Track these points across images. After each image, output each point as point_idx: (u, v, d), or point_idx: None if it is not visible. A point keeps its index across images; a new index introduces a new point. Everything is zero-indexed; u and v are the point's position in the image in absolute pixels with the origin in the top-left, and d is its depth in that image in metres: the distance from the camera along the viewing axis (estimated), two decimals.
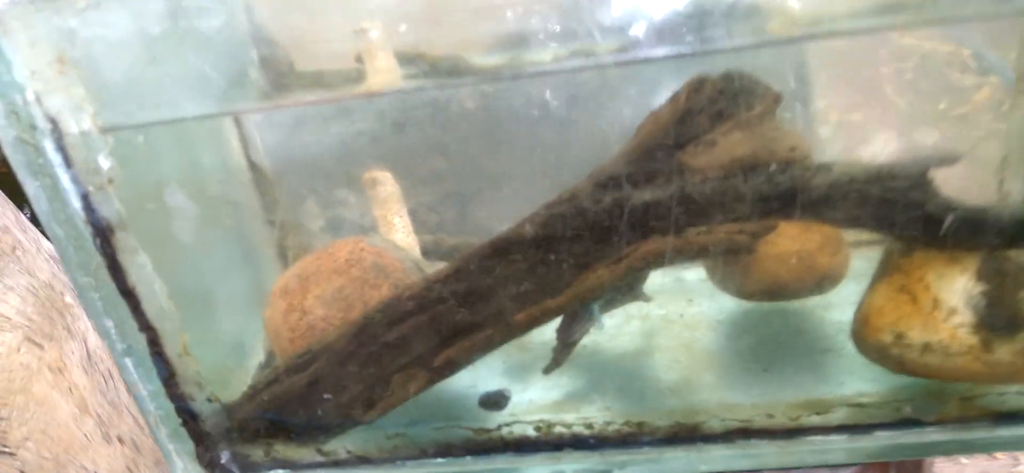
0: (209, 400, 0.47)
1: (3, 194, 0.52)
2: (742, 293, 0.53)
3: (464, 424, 0.46)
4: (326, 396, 0.47)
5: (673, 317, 0.53)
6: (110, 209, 0.40)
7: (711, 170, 0.42)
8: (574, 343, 0.50)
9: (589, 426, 0.45)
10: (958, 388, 0.43)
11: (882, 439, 0.43)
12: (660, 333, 0.53)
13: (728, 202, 0.43)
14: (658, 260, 0.43)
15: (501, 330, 0.45)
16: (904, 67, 0.44)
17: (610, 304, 0.53)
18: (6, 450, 0.75)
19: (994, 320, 0.42)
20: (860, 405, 0.43)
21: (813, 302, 0.52)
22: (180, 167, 0.49)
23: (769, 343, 0.51)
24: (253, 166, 0.59)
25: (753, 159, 0.42)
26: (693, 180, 0.42)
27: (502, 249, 0.45)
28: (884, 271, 0.45)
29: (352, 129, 0.57)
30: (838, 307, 0.50)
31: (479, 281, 0.45)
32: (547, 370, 0.50)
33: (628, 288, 0.53)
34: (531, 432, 0.46)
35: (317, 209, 0.60)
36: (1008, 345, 0.42)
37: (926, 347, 0.43)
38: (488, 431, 0.46)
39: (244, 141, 0.58)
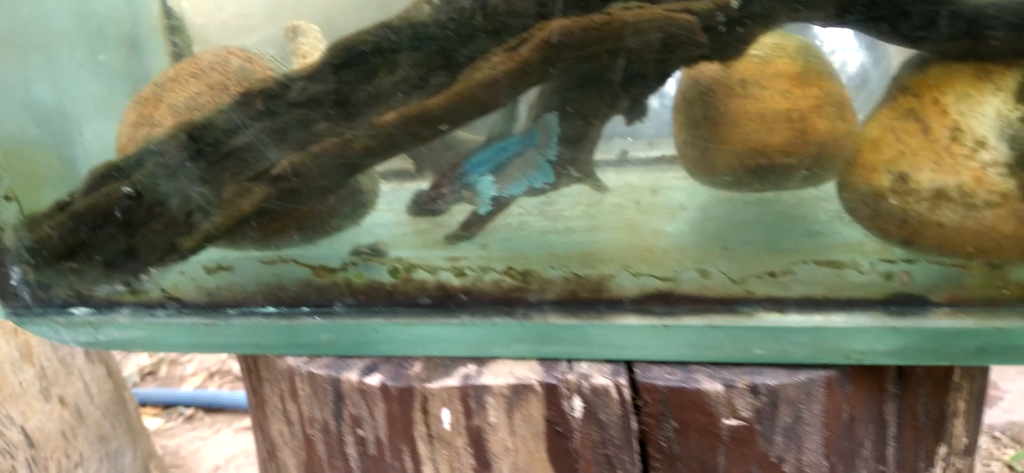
0: (7, 199, 0.40)
1: None
2: (716, 171, 0.42)
3: (302, 260, 0.37)
4: (147, 211, 0.39)
5: (627, 204, 0.43)
6: None
7: None
8: (486, 214, 0.41)
9: (460, 273, 0.35)
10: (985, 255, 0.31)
11: (864, 322, 0.31)
12: (604, 216, 0.42)
13: None
14: (570, 45, 0.34)
15: (363, 136, 0.37)
16: None
17: (547, 185, 0.44)
18: None
19: None
20: (836, 266, 0.31)
21: (810, 194, 0.41)
22: None
23: (737, 226, 0.40)
24: (167, 10, 0.54)
25: None
26: None
27: (381, 41, 0.37)
28: (888, 95, 0.34)
29: None
30: None
31: (348, 78, 0.37)
32: (450, 239, 0.41)
33: (573, 165, 0.44)
34: (385, 277, 0.36)
35: None
36: None
37: (939, 195, 0.31)
38: (331, 271, 0.37)
39: None
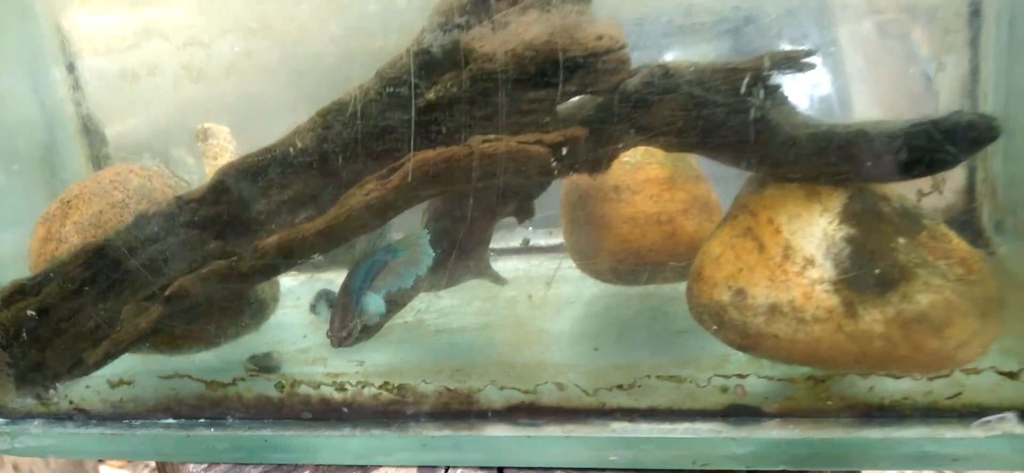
0: None
1: None
2: (599, 269, 0.45)
3: (195, 375, 0.39)
4: (53, 328, 0.41)
5: (521, 299, 0.46)
6: None
7: (501, 58, 0.36)
8: (370, 327, 0.43)
9: (340, 388, 0.38)
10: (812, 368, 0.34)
11: (704, 431, 0.34)
12: (495, 313, 0.45)
13: (521, 102, 0.36)
14: (433, 174, 0.37)
15: (248, 257, 0.39)
16: None
17: (453, 280, 0.46)
18: None
19: (863, 275, 0.33)
20: (677, 381, 0.34)
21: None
22: None
23: (614, 323, 0.42)
24: (84, 117, 0.57)
25: (549, 47, 0.35)
26: (479, 71, 0.36)
27: (266, 165, 0.39)
28: (730, 212, 0.37)
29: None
30: None
31: (235, 202, 0.40)
32: (338, 344, 0.43)
33: (470, 260, 0.47)
34: (272, 391, 0.39)
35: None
36: (877, 311, 0.33)
37: (773, 309, 0.34)
38: (223, 385, 0.39)
39: (77, 89, 0.56)
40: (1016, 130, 0.40)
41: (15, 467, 0.95)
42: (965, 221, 0.45)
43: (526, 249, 0.53)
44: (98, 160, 0.56)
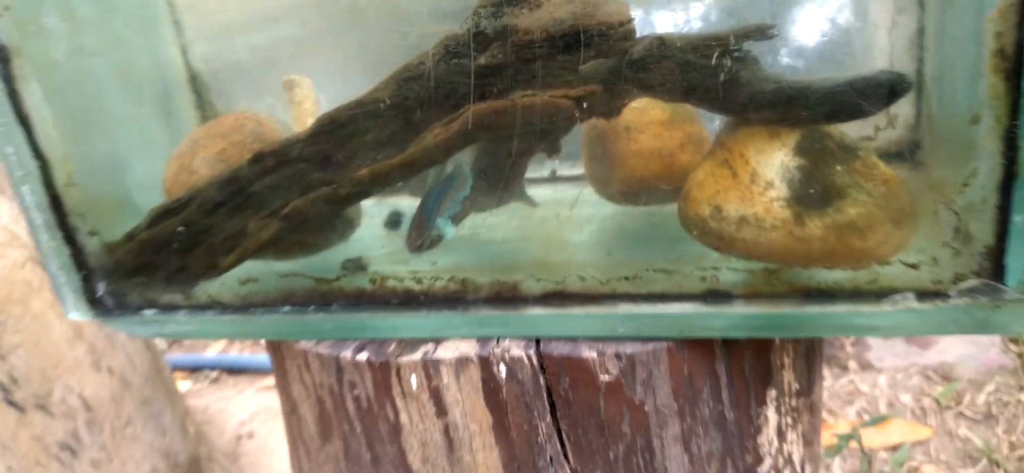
0: (91, 234, 0.55)
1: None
2: (612, 193, 0.57)
3: (306, 274, 0.52)
4: (194, 240, 0.54)
5: (549, 217, 0.58)
6: (7, 36, 0.50)
7: (535, 32, 0.47)
8: (435, 239, 0.56)
9: (418, 281, 0.51)
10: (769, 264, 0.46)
11: (688, 310, 0.46)
12: (530, 228, 0.57)
13: (552, 66, 0.48)
14: (486, 122, 0.49)
15: (346, 184, 0.52)
16: None
17: (493, 201, 0.59)
18: None
19: (808, 194, 0.45)
20: (667, 272, 0.47)
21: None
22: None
23: (623, 234, 0.55)
24: (191, 71, 0.69)
25: (573, 22, 0.47)
26: (520, 42, 0.48)
27: (355, 115, 0.51)
28: (711, 149, 0.49)
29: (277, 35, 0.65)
30: None
31: (331, 142, 0.52)
32: (415, 250, 0.56)
33: (511, 187, 0.59)
34: (366, 285, 0.52)
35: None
36: (818, 220, 0.44)
37: (742, 220, 0.46)
38: (327, 281, 0.52)
39: (184, 46, 0.68)
40: (944, 76, 0.51)
41: (110, 371, 1.10)
42: (909, 149, 0.56)
43: (554, 179, 0.65)
44: (203, 107, 0.68)
